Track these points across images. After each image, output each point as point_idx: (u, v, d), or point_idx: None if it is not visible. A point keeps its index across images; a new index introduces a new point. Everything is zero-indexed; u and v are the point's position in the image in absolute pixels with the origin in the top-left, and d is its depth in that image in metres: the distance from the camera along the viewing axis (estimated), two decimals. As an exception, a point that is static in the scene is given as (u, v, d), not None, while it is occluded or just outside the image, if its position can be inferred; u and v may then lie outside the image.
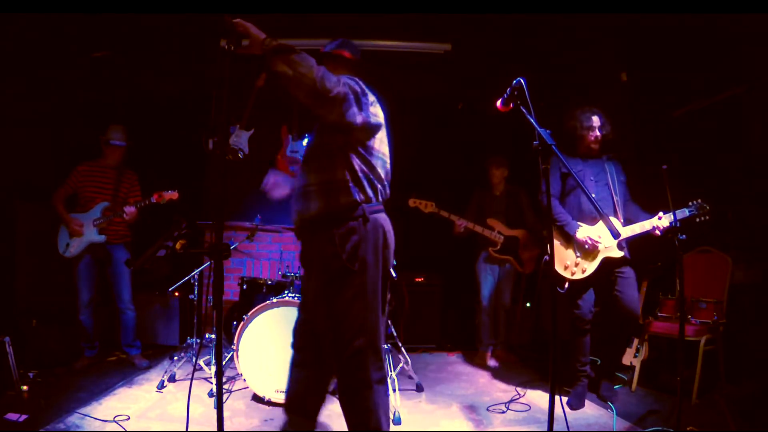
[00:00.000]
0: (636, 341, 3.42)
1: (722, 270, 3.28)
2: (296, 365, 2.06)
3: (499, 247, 4.07)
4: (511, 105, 1.95)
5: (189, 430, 2.59)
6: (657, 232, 2.86)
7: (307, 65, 1.70)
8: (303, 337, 2.05)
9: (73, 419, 2.65)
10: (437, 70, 4.78)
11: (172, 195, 3.48)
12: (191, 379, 2.13)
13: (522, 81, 1.89)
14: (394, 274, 3.36)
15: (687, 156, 3.56)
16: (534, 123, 1.86)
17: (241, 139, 4.71)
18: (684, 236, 2.35)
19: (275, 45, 1.70)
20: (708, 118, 3.60)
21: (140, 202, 3.52)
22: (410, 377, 3.45)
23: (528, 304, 4.51)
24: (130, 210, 3.50)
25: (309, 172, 1.92)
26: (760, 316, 3.14)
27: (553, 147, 1.82)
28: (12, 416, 2.57)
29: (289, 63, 1.68)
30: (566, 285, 3.04)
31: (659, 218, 2.86)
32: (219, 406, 1.39)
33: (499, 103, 1.99)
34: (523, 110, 1.90)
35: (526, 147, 1.94)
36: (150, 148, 4.42)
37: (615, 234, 2.26)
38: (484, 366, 4.02)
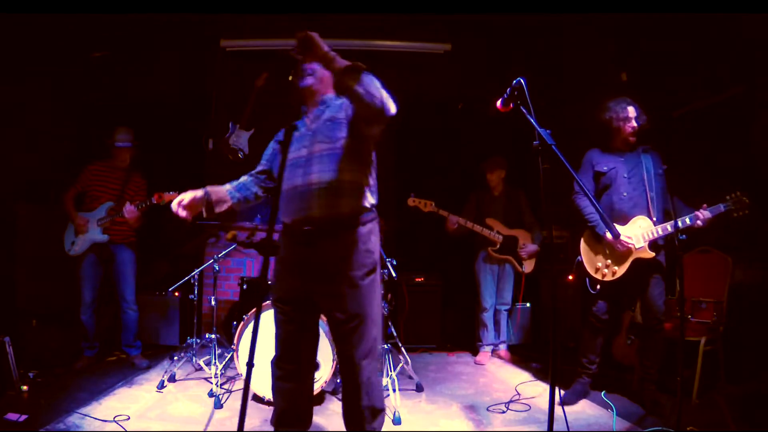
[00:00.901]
0: (636, 341, 3.42)
1: (722, 270, 3.28)
2: (283, 378, 2.04)
3: (498, 247, 4.07)
4: (511, 105, 1.95)
5: (189, 430, 2.60)
6: (699, 222, 2.73)
7: (376, 86, 1.79)
8: (292, 348, 2.03)
9: (73, 419, 2.65)
10: (437, 70, 4.79)
11: (172, 196, 3.47)
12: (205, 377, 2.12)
13: (522, 81, 1.89)
14: (394, 274, 3.37)
15: (687, 156, 3.56)
16: (534, 123, 1.86)
17: (241, 139, 4.74)
18: (684, 236, 2.34)
19: (351, 65, 1.77)
20: (708, 118, 3.60)
21: (142, 203, 3.52)
22: (410, 377, 3.45)
23: (528, 304, 4.51)
24: (130, 209, 3.49)
25: (340, 170, 1.92)
26: (760, 316, 3.13)
27: (553, 147, 1.82)
28: (12, 416, 2.57)
29: (361, 83, 1.76)
30: (598, 287, 2.97)
31: (702, 209, 2.74)
32: (243, 406, 1.39)
33: (499, 103, 1.99)
34: (523, 110, 1.90)
35: (527, 147, 1.94)
36: (149, 148, 4.42)
37: (615, 235, 2.26)
38: (484, 366, 4.01)
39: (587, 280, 3.02)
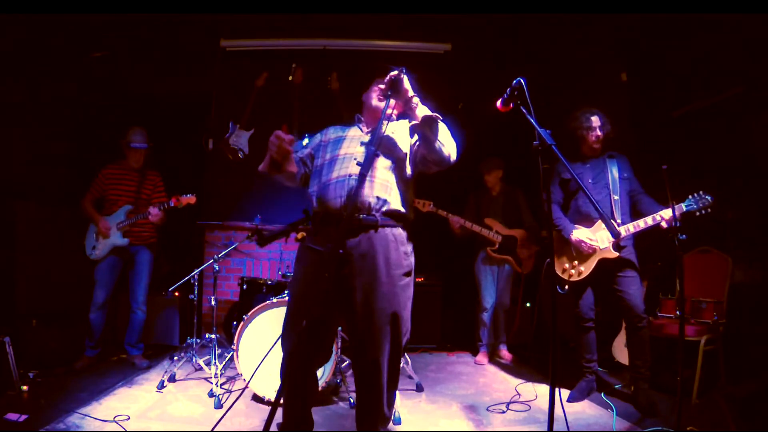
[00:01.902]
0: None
1: (722, 270, 3.28)
2: (293, 384, 2.01)
3: (497, 247, 4.07)
4: (511, 105, 1.95)
5: (189, 430, 2.60)
6: (663, 224, 2.79)
7: (449, 138, 1.96)
8: (307, 353, 2.00)
9: (73, 419, 2.64)
10: (437, 70, 4.79)
11: (190, 199, 3.51)
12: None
13: (522, 81, 1.89)
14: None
15: (687, 156, 3.56)
16: (534, 123, 1.86)
17: (241, 139, 4.74)
18: (684, 236, 2.34)
19: (430, 116, 1.91)
20: (708, 118, 3.60)
21: (163, 204, 3.53)
22: (410, 377, 3.45)
23: (528, 304, 4.51)
24: (155, 212, 3.52)
25: (392, 173, 2.03)
26: (760, 316, 3.13)
27: (553, 147, 1.82)
28: (12, 416, 2.57)
29: (436, 132, 1.92)
30: (566, 287, 3.10)
31: (666, 209, 2.81)
32: (273, 408, 1.39)
33: (499, 103, 1.99)
34: (523, 110, 1.90)
35: (526, 147, 1.94)
36: (150, 149, 4.42)
37: (615, 234, 2.26)
38: (484, 366, 4.02)
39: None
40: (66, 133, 4.54)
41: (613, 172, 3.04)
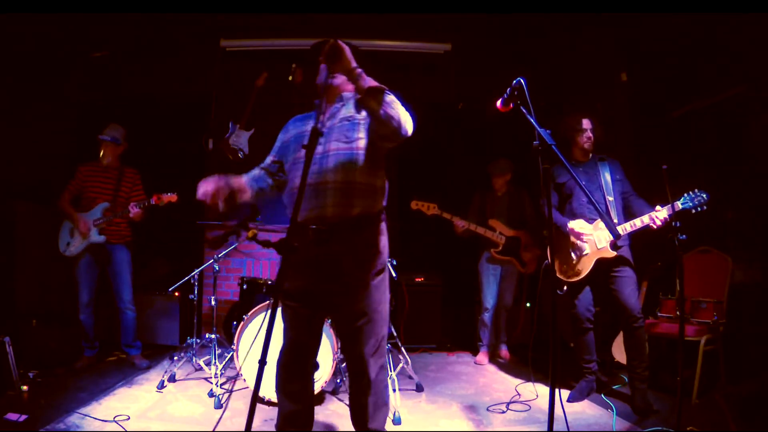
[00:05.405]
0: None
1: (722, 270, 3.28)
2: (288, 379, 2.04)
3: (501, 248, 4.07)
4: (511, 105, 1.95)
5: (189, 430, 2.60)
6: (653, 225, 2.78)
7: (397, 108, 1.82)
8: (299, 347, 2.03)
9: (73, 419, 2.65)
10: (437, 70, 4.79)
11: (171, 197, 3.48)
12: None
13: (522, 81, 1.89)
14: (394, 274, 3.37)
15: (687, 156, 3.56)
16: (534, 123, 1.86)
17: (241, 139, 4.74)
18: (684, 236, 2.34)
19: (376, 87, 1.80)
20: (708, 118, 3.60)
21: (143, 202, 3.52)
22: (410, 377, 3.45)
23: (528, 305, 4.51)
24: (135, 211, 3.50)
25: (354, 170, 1.93)
26: (760, 316, 3.14)
27: (553, 147, 1.82)
28: (12, 416, 2.57)
29: (384, 104, 1.80)
30: (564, 287, 3.10)
31: (656, 210, 2.80)
32: (252, 404, 1.38)
33: (499, 103, 1.99)
34: (523, 110, 1.90)
35: (527, 146, 1.94)
36: (150, 149, 4.42)
37: (615, 234, 2.26)
38: (484, 366, 4.02)
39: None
40: (66, 132, 4.55)
41: (605, 175, 3.06)
